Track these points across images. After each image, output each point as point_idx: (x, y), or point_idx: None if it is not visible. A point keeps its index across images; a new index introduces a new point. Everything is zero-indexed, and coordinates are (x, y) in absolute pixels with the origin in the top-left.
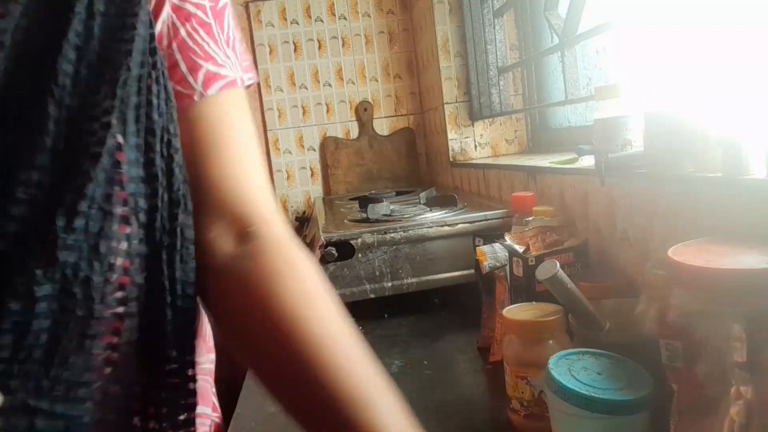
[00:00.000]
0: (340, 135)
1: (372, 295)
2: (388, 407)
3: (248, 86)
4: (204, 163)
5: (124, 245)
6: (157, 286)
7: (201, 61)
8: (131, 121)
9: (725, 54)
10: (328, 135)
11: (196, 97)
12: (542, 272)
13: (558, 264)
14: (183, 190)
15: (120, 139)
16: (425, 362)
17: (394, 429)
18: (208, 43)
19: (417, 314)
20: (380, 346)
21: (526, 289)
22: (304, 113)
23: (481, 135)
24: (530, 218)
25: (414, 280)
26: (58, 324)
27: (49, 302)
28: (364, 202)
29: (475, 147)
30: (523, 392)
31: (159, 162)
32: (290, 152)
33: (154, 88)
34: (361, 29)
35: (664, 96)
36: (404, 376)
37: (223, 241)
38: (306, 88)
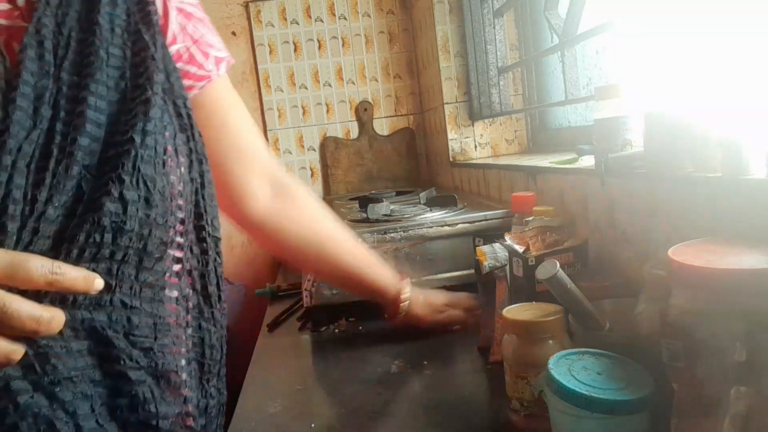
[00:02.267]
0: (340, 135)
1: None
2: (382, 268)
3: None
4: (239, 129)
5: (177, 170)
6: (197, 215)
7: (208, 49)
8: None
9: (725, 54)
10: (328, 135)
11: (214, 77)
12: (542, 272)
13: (558, 264)
14: (202, 151)
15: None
16: (425, 362)
17: (386, 276)
18: (206, 35)
19: None
20: (380, 346)
21: (526, 289)
22: (304, 113)
23: (481, 135)
24: (530, 218)
25: (414, 280)
26: (143, 228)
27: (136, 207)
28: (364, 202)
29: (475, 147)
30: (523, 392)
31: (189, 150)
32: (290, 152)
33: (173, 78)
34: (361, 29)
35: (664, 96)
36: (404, 376)
37: (262, 190)
38: (306, 88)
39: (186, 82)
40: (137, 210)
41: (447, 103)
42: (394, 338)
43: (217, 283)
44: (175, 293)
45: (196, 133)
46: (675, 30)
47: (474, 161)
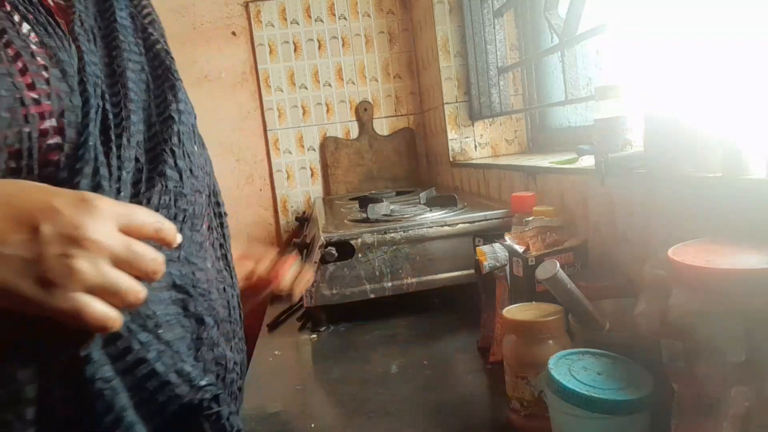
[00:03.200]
0: (340, 135)
1: (372, 295)
2: None
3: None
4: None
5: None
6: (213, 191)
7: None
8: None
9: (725, 54)
10: (328, 135)
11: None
12: (542, 272)
13: (558, 264)
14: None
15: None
16: (425, 362)
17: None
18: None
19: (417, 314)
20: (380, 346)
21: (526, 289)
22: (304, 113)
23: (481, 135)
24: (530, 218)
25: (414, 280)
26: (192, 194)
27: (187, 175)
28: (364, 202)
29: (475, 147)
30: (523, 392)
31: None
32: (290, 152)
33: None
34: (361, 29)
35: (664, 96)
36: (404, 376)
37: None
38: (306, 88)
39: None
40: (188, 177)
41: (447, 103)
42: (394, 338)
43: (229, 252)
44: (211, 255)
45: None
46: (675, 30)
47: (474, 161)
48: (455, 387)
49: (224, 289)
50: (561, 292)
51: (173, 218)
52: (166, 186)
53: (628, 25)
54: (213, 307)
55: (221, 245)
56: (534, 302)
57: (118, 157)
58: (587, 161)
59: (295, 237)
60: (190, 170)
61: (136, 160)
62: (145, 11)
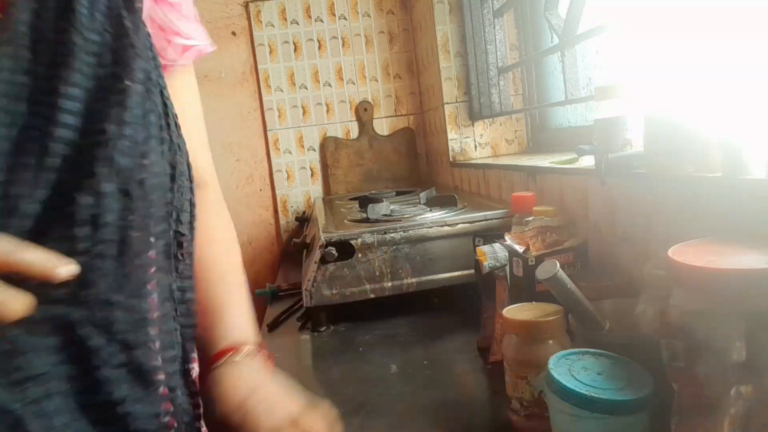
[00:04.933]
0: (340, 135)
1: (372, 295)
2: (239, 316)
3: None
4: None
5: (159, 158)
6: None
7: (173, 37)
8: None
9: (725, 54)
10: (328, 135)
11: (169, 66)
12: (542, 272)
13: (558, 264)
14: (177, 142)
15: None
16: (425, 362)
17: (239, 332)
18: (176, 21)
19: (417, 314)
20: (380, 346)
21: (526, 289)
22: (304, 113)
23: (481, 135)
24: (530, 218)
25: (414, 280)
26: (122, 220)
27: (114, 199)
28: (364, 202)
29: (475, 147)
30: (523, 392)
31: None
32: (290, 152)
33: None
34: (361, 29)
35: (664, 96)
36: (404, 376)
37: None
38: (306, 88)
39: None
40: (114, 202)
41: (447, 103)
42: (394, 338)
43: (190, 283)
44: (156, 287)
45: (172, 123)
46: (675, 30)
47: (474, 161)
48: (455, 387)
49: (178, 323)
50: (561, 292)
51: (85, 252)
52: (72, 215)
53: (627, 25)
54: (134, 355)
55: (178, 269)
56: (534, 302)
57: (26, 183)
58: (587, 161)
59: (295, 237)
60: (124, 191)
61: (60, 180)
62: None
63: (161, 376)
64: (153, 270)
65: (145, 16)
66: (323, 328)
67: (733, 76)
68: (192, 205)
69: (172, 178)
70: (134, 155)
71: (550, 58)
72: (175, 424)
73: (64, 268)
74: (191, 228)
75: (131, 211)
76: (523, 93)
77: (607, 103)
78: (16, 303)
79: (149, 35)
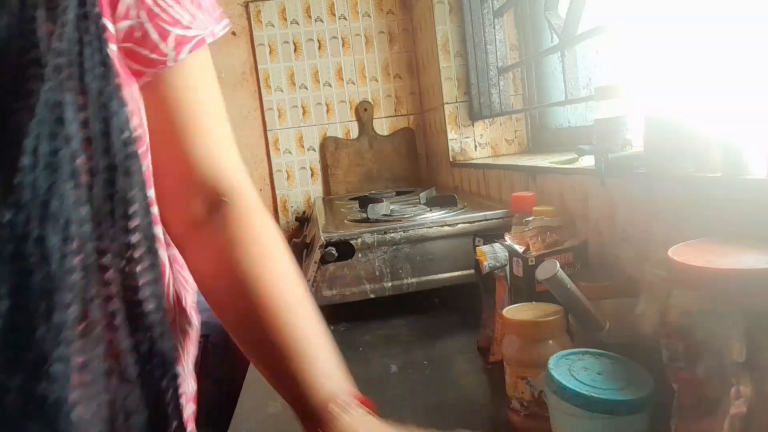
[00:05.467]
0: (340, 135)
1: (372, 295)
2: (326, 363)
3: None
4: (178, 135)
5: (78, 206)
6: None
7: (169, 27)
8: (65, 78)
9: (725, 54)
10: (328, 135)
11: (169, 63)
12: (542, 272)
13: (558, 264)
14: (122, 155)
15: (58, 95)
16: (425, 362)
17: (328, 382)
18: (173, 7)
19: (417, 314)
20: (380, 346)
21: (526, 289)
22: (304, 113)
23: (481, 135)
24: (530, 218)
25: (414, 280)
26: (19, 288)
27: (3, 265)
28: (364, 202)
29: (475, 147)
30: (523, 392)
31: (96, 125)
32: (290, 152)
33: (87, 50)
34: (361, 29)
35: (664, 96)
36: (404, 376)
37: (198, 211)
38: (306, 88)
39: (135, 67)
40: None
41: (447, 103)
42: (394, 338)
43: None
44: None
45: (112, 137)
46: (675, 30)
47: (474, 161)
48: (455, 387)
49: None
50: (561, 292)
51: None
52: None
53: (627, 25)
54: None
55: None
56: (534, 302)
57: None
58: (587, 161)
59: (295, 237)
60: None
61: None
62: None
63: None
64: (70, 346)
65: (132, 1)
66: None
67: (732, 76)
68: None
69: (111, 213)
70: (33, 207)
71: (550, 58)
72: None
73: None
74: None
75: (28, 276)
76: (523, 93)
77: (607, 103)
78: None
79: (86, 18)
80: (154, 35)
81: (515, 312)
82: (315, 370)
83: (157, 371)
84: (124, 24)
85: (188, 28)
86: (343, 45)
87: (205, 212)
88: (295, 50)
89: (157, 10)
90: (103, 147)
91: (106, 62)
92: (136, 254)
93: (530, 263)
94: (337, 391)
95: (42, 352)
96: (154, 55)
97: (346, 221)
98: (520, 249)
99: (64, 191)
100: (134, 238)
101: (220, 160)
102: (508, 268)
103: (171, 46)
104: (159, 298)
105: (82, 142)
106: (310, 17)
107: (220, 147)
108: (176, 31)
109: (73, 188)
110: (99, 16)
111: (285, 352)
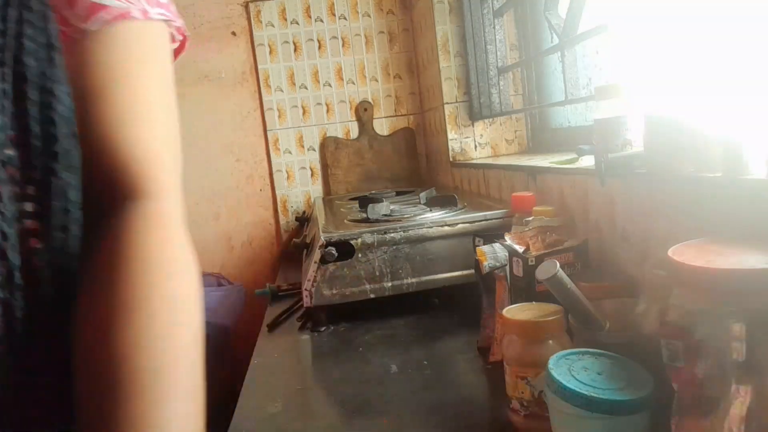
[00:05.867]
0: (340, 135)
1: (372, 295)
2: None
3: (165, 23)
4: (89, 113)
5: None
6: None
7: None
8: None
9: (725, 54)
10: (328, 135)
11: (79, 26)
12: (542, 272)
13: (558, 264)
14: (68, 144)
15: None
16: (425, 362)
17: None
18: None
19: (417, 314)
20: (380, 346)
21: (526, 289)
22: (304, 113)
23: (481, 135)
24: (530, 218)
25: (414, 280)
26: None
27: None
28: (364, 202)
29: (475, 147)
30: (523, 392)
31: (33, 111)
32: (290, 152)
33: (28, 29)
34: (361, 29)
35: (664, 96)
36: (404, 376)
37: (94, 211)
38: (306, 88)
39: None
40: None
41: (447, 103)
42: (394, 338)
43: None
44: None
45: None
46: (675, 30)
47: (474, 161)
48: (455, 387)
49: None
50: (561, 292)
51: None
52: None
53: (627, 25)
54: None
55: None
56: (534, 302)
57: None
58: (587, 161)
59: (295, 237)
60: None
61: None
62: None
63: None
64: None
65: None
66: (323, 328)
67: (732, 76)
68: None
69: (48, 210)
70: None
71: (550, 58)
72: None
73: None
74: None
75: None
76: (523, 93)
77: (607, 103)
78: None
79: None
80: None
81: (515, 312)
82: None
83: None
84: None
85: None
86: (343, 45)
87: (101, 214)
88: (295, 50)
89: None
90: (42, 135)
91: (52, 42)
92: None
93: (530, 263)
94: None
95: None
96: (65, 13)
97: (346, 221)
98: (520, 249)
99: None
100: None
101: (134, 151)
102: (508, 268)
103: (81, 12)
104: None
105: (12, 130)
106: (310, 17)
107: (139, 134)
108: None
109: None
110: None
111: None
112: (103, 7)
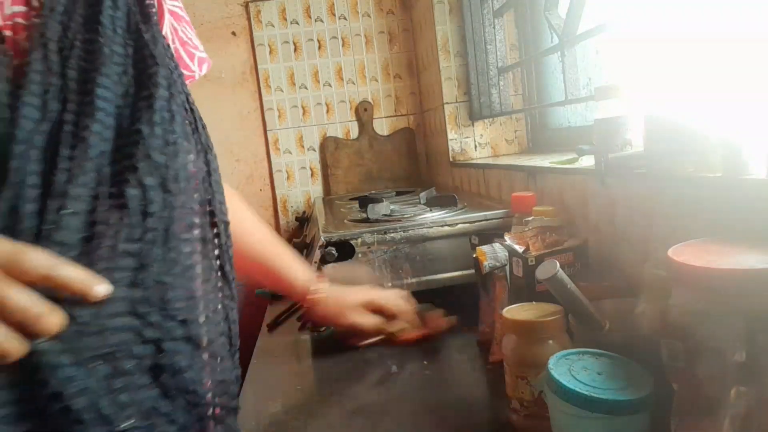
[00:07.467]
0: (340, 135)
1: None
2: (292, 261)
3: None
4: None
5: (188, 158)
6: (207, 201)
7: (194, 51)
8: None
9: (725, 54)
10: (328, 135)
11: (196, 77)
12: (542, 272)
13: (558, 264)
14: (206, 142)
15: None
16: (425, 362)
17: (295, 270)
18: (193, 38)
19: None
20: (380, 346)
21: (526, 289)
22: (304, 113)
23: (481, 135)
24: (530, 218)
25: (414, 280)
26: (164, 210)
27: (155, 192)
28: (364, 202)
29: (475, 147)
30: (523, 392)
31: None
32: (290, 152)
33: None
34: (361, 29)
35: (664, 96)
36: (404, 376)
37: None
38: (306, 88)
39: None
40: (156, 194)
41: (447, 103)
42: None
43: (231, 264)
44: (201, 271)
45: (199, 125)
46: (675, 30)
47: (474, 161)
48: (455, 387)
49: (221, 306)
50: (561, 292)
51: (139, 238)
52: (126, 205)
53: (628, 25)
54: (191, 329)
55: (218, 256)
56: (534, 302)
57: (70, 170)
58: (587, 161)
59: (295, 237)
60: (162, 185)
61: (99, 171)
62: (147, 9)
63: (218, 349)
64: (195, 255)
65: (168, 31)
66: (323, 328)
67: (732, 76)
68: (223, 198)
69: (208, 174)
70: (167, 153)
71: (550, 58)
72: (229, 391)
73: (101, 286)
74: (225, 220)
75: (171, 203)
76: (523, 93)
77: (607, 103)
78: (54, 317)
79: (168, 47)
80: (186, 57)
81: (515, 312)
82: (287, 268)
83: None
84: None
85: (203, 52)
86: (343, 45)
87: None
88: (295, 50)
89: (185, 38)
90: (202, 161)
91: (179, 71)
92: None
93: (530, 263)
94: (305, 277)
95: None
96: (187, 72)
97: (346, 221)
98: (520, 249)
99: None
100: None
101: None
102: (508, 268)
103: (197, 64)
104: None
105: (188, 130)
106: (310, 17)
107: None
108: (197, 53)
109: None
110: None
111: (266, 260)
112: (204, 59)
